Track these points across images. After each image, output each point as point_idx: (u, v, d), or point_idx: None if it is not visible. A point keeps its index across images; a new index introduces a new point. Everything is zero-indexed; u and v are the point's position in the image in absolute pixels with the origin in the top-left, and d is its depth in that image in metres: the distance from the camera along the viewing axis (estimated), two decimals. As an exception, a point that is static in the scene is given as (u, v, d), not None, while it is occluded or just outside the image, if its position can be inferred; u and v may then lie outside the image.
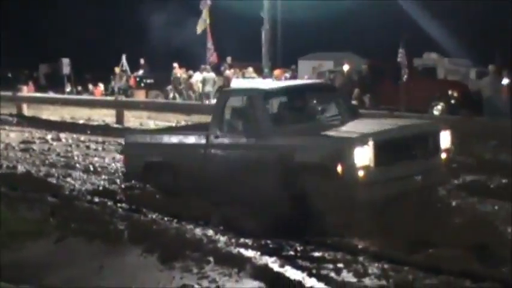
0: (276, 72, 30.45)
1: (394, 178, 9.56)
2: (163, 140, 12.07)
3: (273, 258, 8.15)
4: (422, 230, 8.76)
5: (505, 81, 23.41)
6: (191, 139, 11.49)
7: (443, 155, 10.37)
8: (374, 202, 9.29)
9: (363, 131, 9.93)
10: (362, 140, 9.35)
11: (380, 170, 9.35)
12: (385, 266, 7.86)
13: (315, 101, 11.70)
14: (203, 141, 11.05)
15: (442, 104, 26.27)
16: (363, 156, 9.20)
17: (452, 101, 26.24)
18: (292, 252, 8.59)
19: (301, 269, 7.85)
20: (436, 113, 25.85)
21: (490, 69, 24.68)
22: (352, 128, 10.59)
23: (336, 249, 8.62)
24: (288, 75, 29.98)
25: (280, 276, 7.58)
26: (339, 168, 9.25)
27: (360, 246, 8.66)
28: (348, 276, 7.61)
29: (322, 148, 9.68)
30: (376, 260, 8.08)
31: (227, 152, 10.81)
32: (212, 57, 31.74)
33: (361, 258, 8.14)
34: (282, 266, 7.90)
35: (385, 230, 8.87)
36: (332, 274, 7.68)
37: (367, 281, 7.47)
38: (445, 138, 10.39)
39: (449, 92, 26.66)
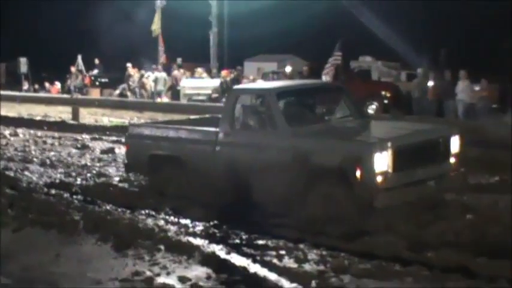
0: (223, 72, 30.44)
1: (410, 183, 9.00)
2: (172, 134, 11.16)
3: (220, 246, 8.20)
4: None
5: (431, 83, 23.76)
6: (201, 135, 10.78)
7: (453, 160, 9.81)
8: (390, 207, 8.77)
9: (381, 135, 9.45)
10: (382, 145, 8.78)
11: (397, 176, 8.81)
12: (323, 252, 7.94)
13: (325, 101, 11.11)
14: (213, 137, 10.35)
15: (376, 103, 26.47)
16: (382, 161, 8.68)
17: (385, 101, 26.49)
18: (237, 241, 8.62)
19: (246, 256, 7.91)
20: (370, 111, 26.00)
21: (418, 72, 25.06)
22: (368, 131, 10.24)
23: (278, 237, 8.66)
24: (232, 75, 29.97)
25: (227, 262, 7.62)
26: (358, 173, 8.67)
27: (300, 235, 8.69)
28: (289, 262, 7.65)
29: (342, 152, 9.01)
30: (315, 247, 8.15)
31: (239, 150, 10.06)
32: (162, 58, 31.71)
33: (301, 246, 8.20)
34: (228, 253, 7.96)
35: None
36: (274, 260, 7.73)
37: (306, 266, 7.52)
38: (456, 143, 9.86)
39: (383, 93, 26.90)
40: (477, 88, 23.23)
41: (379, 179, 8.62)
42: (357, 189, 8.72)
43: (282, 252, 7.99)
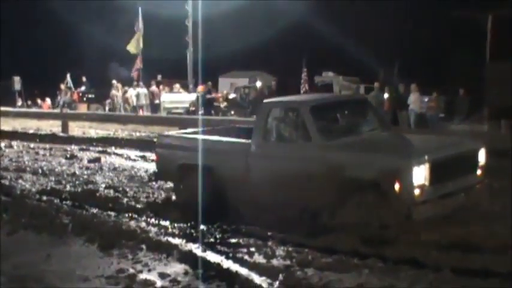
0: (199, 87, 30.42)
1: (444, 196, 8.43)
2: (203, 145, 10.43)
3: (196, 245, 8.22)
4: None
5: (385, 95, 23.95)
6: (233, 146, 10.19)
7: (479, 172, 9.26)
8: (426, 221, 8.22)
9: (417, 149, 9.00)
10: (420, 158, 8.21)
11: (433, 188, 8.23)
12: (290, 248, 7.95)
13: (353, 114, 10.48)
14: (246, 149, 9.76)
15: (337, 113, 26.61)
16: (420, 174, 8.10)
17: (346, 111, 26.65)
18: (212, 240, 8.62)
19: (220, 253, 7.92)
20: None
21: (375, 85, 25.22)
22: (403, 145, 9.67)
23: (249, 235, 8.70)
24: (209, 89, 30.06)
25: (202, 259, 7.62)
26: (396, 186, 8.11)
27: (269, 233, 8.71)
28: (258, 258, 7.66)
29: (379, 165, 8.37)
30: (282, 244, 8.17)
31: (271, 162, 9.47)
32: (134, 74, 31.86)
33: (270, 243, 8.23)
34: (204, 251, 7.98)
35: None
36: (246, 257, 7.74)
37: (274, 261, 7.54)
38: (482, 156, 9.30)
39: (343, 104, 27.06)
40: (426, 99, 23.52)
41: (416, 192, 8.08)
42: (395, 202, 8.16)
43: (252, 249, 8.00)
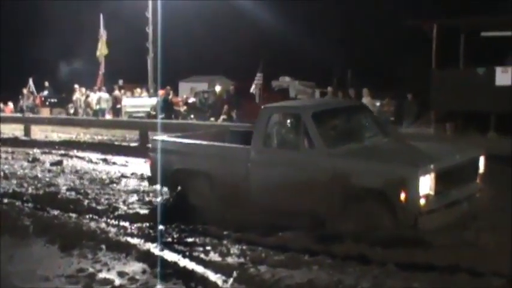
0: (160, 92, 30.39)
1: (448, 205, 8.23)
2: (201, 150, 10.15)
3: (154, 244, 8.27)
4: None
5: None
6: (233, 152, 9.83)
7: (479, 179, 9.11)
8: (431, 230, 7.93)
9: (423, 158, 8.52)
10: (426, 168, 7.98)
11: (438, 198, 8.04)
12: (244, 247, 8.05)
13: (354, 120, 10.06)
14: (245, 154, 9.41)
15: (293, 117, 26.82)
16: (426, 184, 7.89)
17: (302, 115, 26.87)
18: (169, 239, 8.66)
19: (177, 252, 7.97)
20: (288, 125, 26.36)
21: (328, 90, 25.50)
22: (408, 153, 9.22)
23: (205, 235, 8.76)
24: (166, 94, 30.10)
25: (160, 258, 7.66)
26: (402, 196, 7.86)
27: (224, 232, 8.78)
28: (214, 256, 7.75)
29: (386, 174, 8.08)
30: (237, 242, 8.27)
31: (272, 167, 9.12)
32: (99, 80, 31.76)
33: (225, 242, 8.32)
34: (161, 250, 8.04)
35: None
36: (202, 255, 7.81)
37: (229, 259, 7.63)
38: (482, 163, 9.13)
39: (299, 108, 27.28)
40: (378, 103, 23.84)
41: (422, 201, 7.86)
42: (400, 212, 7.93)
43: (208, 248, 8.08)
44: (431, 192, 7.93)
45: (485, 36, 22.00)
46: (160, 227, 9.20)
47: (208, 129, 16.12)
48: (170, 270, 7.27)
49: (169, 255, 7.80)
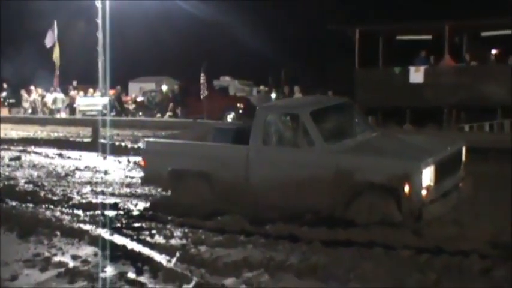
0: (111, 91, 30.09)
1: (444, 194, 8.10)
2: (198, 150, 9.47)
3: (105, 230, 8.24)
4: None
5: (273, 95, 24.44)
6: (231, 150, 9.19)
7: (462, 168, 8.94)
8: (433, 219, 7.78)
9: (422, 151, 8.26)
10: (427, 161, 7.73)
11: (436, 188, 7.86)
12: (186, 230, 8.12)
13: (345, 118, 9.59)
14: (245, 153, 8.83)
15: (233, 113, 26.99)
16: (428, 176, 7.69)
17: (240, 111, 27.03)
18: (119, 224, 8.63)
19: (125, 236, 7.97)
20: (229, 119, 26.53)
21: (264, 88, 25.69)
22: (409, 148, 8.80)
23: (151, 220, 8.77)
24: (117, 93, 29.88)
25: (110, 242, 7.67)
26: (407, 189, 7.62)
27: (169, 217, 8.82)
28: (159, 239, 7.77)
29: (390, 169, 7.78)
30: (179, 226, 8.33)
31: (275, 166, 8.57)
32: (55, 81, 31.25)
33: (169, 226, 8.38)
34: (111, 234, 8.02)
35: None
36: (148, 238, 7.84)
37: (172, 241, 7.68)
38: (464, 153, 8.97)
39: (238, 105, 27.43)
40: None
41: (424, 192, 7.65)
42: (405, 204, 7.68)
43: (154, 231, 8.10)
44: (432, 184, 7.77)
45: (400, 40, 22.57)
46: (111, 213, 9.18)
47: (157, 124, 16.05)
48: (119, 253, 7.27)
49: (119, 239, 7.79)
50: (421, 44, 22.14)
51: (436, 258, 6.54)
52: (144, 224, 8.55)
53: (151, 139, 10.55)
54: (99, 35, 29.20)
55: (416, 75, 20.54)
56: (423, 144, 9.01)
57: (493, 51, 22.11)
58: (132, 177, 12.46)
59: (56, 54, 30.74)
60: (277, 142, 8.92)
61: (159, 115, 28.31)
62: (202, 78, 25.94)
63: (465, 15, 22.13)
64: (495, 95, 19.57)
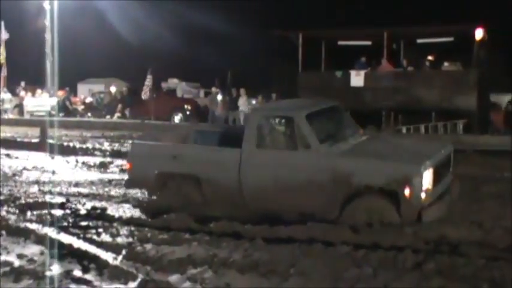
0: (59, 93, 29.59)
1: (440, 197, 7.94)
2: (187, 152, 9.04)
3: (52, 229, 8.09)
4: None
5: (220, 98, 24.45)
6: (223, 154, 8.67)
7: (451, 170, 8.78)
8: (433, 221, 7.57)
9: (422, 155, 8.01)
10: (426, 164, 7.56)
11: (433, 191, 7.72)
12: (132, 228, 8.06)
13: (336, 120, 9.28)
14: (237, 157, 8.40)
15: (180, 114, 26.93)
16: (427, 179, 7.53)
17: (187, 112, 27.00)
18: (65, 224, 8.49)
19: (72, 234, 7.85)
20: (176, 121, 26.46)
21: (212, 90, 25.66)
22: (404, 151, 8.51)
23: (98, 219, 8.68)
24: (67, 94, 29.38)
25: (56, 241, 7.54)
26: (407, 192, 7.41)
27: (115, 216, 8.79)
28: (105, 237, 7.69)
29: (389, 172, 7.55)
30: (126, 224, 8.27)
31: (269, 170, 8.18)
32: (2, 81, 30.56)
33: (115, 224, 8.30)
34: (58, 233, 7.88)
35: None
36: (94, 237, 7.75)
37: (119, 239, 7.60)
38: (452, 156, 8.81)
39: (185, 106, 27.40)
40: (254, 101, 24.25)
41: (423, 196, 7.49)
42: (405, 207, 7.48)
43: (100, 230, 8.02)
44: (430, 187, 7.61)
45: (341, 45, 22.91)
46: (58, 212, 9.03)
47: (105, 125, 15.85)
48: (65, 251, 7.16)
49: (65, 238, 7.66)
50: (362, 49, 22.52)
51: (372, 254, 6.67)
52: (90, 223, 8.44)
53: (138, 141, 10.09)
54: (48, 36, 28.73)
55: (357, 79, 20.89)
56: (418, 148, 8.80)
57: (429, 57, 22.69)
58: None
59: (3, 54, 30.06)
60: (271, 145, 8.46)
61: (107, 116, 27.99)
62: (148, 79, 25.83)
63: (403, 23, 22.65)
64: (430, 99, 20.11)
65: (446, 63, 21.18)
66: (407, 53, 22.81)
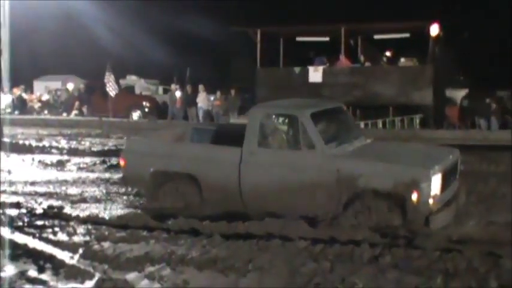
0: (15, 90, 28.98)
1: (448, 203, 7.66)
2: (184, 151, 8.81)
3: (6, 228, 7.94)
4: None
5: (178, 94, 24.32)
6: (223, 153, 8.36)
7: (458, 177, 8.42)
8: (440, 228, 7.34)
9: (431, 159, 7.73)
10: (435, 169, 7.32)
11: (441, 197, 7.44)
12: (89, 226, 7.97)
13: (339, 122, 8.94)
14: (238, 156, 8.11)
15: (139, 111, 26.75)
16: (435, 185, 7.26)
17: (146, 109, 26.82)
18: (20, 223, 8.33)
19: (27, 234, 7.72)
20: (135, 118, 26.26)
21: (171, 87, 25.51)
22: (412, 155, 8.27)
23: (54, 217, 8.54)
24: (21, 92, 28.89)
25: (11, 241, 7.41)
26: (414, 197, 7.14)
27: (72, 215, 8.67)
28: (62, 237, 7.58)
29: (397, 176, 7.26)
30: (83, 223, 8.18)
31: (271, 169, 7.89)
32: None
33: (72, 223, 8.19)
34: (12, 233, 7.75)
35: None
36: (51, 236, 7.63)
37: (75, 238, 7.52)
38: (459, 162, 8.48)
39: (144, 103, 27.21)
40: (212, 98, 24.21)
41: (431, 201, 7.22)
42: (411, 212, 7.22)
43: (57, 229, 7.90)
44: (438, 193, 7.34)
45: (299, 41, 23.04)
46: (12, 212, 8.86)
47: (62, 122, 15.59)
48: (20, 251, 7.03)
49: (20, 238, 7.53)
50: (320, 45, 22.69)
51: (329, 248, 6.73)
52: (47, 222, 8.31)
53: (134, 138, 9.72)
54: (1, 33, 28.15)
55: (315, 75, 21.04)
56: (425, 152, 8.55)
57: (387, 53, 23.00)
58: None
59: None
60: (273, 144, 8.16)
61: (64, 114, 27.59)
62: (107, 76, 25.54)
63: (360, 19, 22.88)
64: (387, 94, 20.39)
65: (403, 59, 21.50)
66: (365, 49, 23.06)
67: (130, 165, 8.98)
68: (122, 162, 9.18)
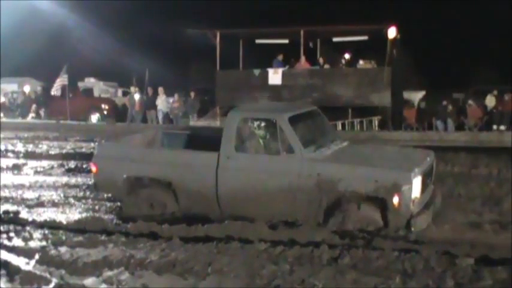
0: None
1: (426, 205, 7.66)
2: (158, 155, 8.54)
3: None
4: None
5: (137, 96, 24.13)
6: (198, 157, 8.18)
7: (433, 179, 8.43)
8: (421, 230, 7.31)
9: (410, 162, 7.70)
10: (415, 172, 7.27)
11: (420, 200, 7.44)
12: (46, 231, 7.85)
13: (316, 125, 8.79)
14: (214, 161, 7.94)
15: (97, 114, 26.46)
16: (416, 188, 7.23)
17: (105, 112, 26.55)
18: (-26, 230, 8.16)
19: (-20, 240, 7.55)
20: (94, 121, 25.98)
21: (131, 90, 25.29)
22: (391, 158, 8.22)
23: (10, 222, 8.36)
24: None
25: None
26: (395, 200, 7.09)
27: (29, 219, 8.52)
28: (17, 242, 7.44)
29: (378, 179, 7.19)
30: (39, 227, 8.03)
31: (249, 174, 7.75)
32: None
33: (28, 228, 8.03)
34: (-36, 240, 7.57)
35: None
36: (5, 241, 7.47)
37: (31, 243, 7.38)
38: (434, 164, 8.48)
39: (102, 106, 26.93)
40: (171, 100, 24.08)
41: (411, 204, 7.18)
42: (392, 215, 7.17)
43: (12, 234, 7.72)
44: (418, 195, 7.34)
45: (259, 43, 23.10)
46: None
47: (17, 126, 15.32)
48: (-26, 258, 6.88)
49: (-28, 244, 7.36)
50: (280, 47, 22.77)
51: (289, 250, 6.74)
52: (2, 227, 8.10)
53: (105, 142, 9.46)
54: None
55: (275, 77, 21.11)
56: (404, 155, 8.53)
57: (346, 56, 23.21)
58: None
59: None
60: (251, 148, 8.01)
61: (21, 117, 27.13)
62: (63, 79, 25.24)
63: (319, 22, 23.06)
64: (346, 96, 20.60)
65: (361, 62, 21.74)
66: (324, 52, 23.24)
67: (102, 171, 8.70)
68: (93, 168, 8.88)
